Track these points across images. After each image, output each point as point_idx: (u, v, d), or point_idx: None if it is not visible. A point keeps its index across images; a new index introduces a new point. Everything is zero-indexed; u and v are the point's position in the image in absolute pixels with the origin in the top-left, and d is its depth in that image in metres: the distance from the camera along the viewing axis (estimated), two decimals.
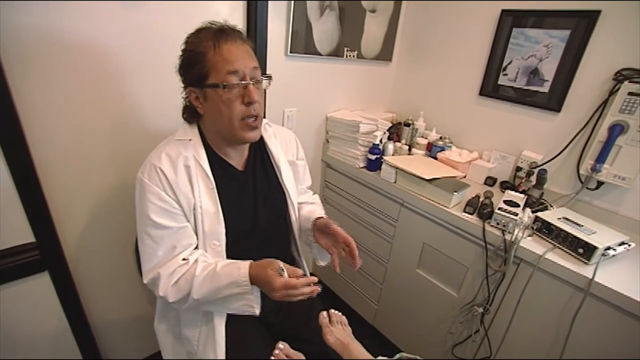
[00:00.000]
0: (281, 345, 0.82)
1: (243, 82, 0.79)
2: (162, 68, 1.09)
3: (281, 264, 0.79)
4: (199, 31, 0.80)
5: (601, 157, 1.21)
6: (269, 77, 0.86)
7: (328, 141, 1.74)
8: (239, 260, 0.85)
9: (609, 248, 0.99)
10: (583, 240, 1.00)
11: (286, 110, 1.53)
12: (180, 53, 0.82)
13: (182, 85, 0.84)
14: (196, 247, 0.87)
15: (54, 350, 1.20)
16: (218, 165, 0.88)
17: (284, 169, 1.00)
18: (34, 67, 0.89)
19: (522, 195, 1.24)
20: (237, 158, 0.93)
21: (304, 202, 1.15)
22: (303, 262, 1.13)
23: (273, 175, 1.00)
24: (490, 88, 1.56)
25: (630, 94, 1.13)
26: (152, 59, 1.08)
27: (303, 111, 1.60)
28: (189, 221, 0.84)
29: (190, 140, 0.85)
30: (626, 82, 1.14)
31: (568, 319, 1.02)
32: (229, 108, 0.80)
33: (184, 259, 0.84)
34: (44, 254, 1.05)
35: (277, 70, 1.39)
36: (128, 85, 1.06)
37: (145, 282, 0.84)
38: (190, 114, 0.88)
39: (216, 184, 0.85)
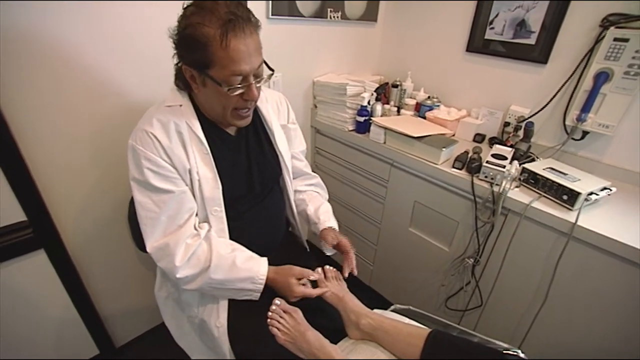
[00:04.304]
0: (277, 301, 0.85)
1: (246, 83, 0.77)
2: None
3: (304, 273, 0.87)
4: (203, 10, 0.71)
5: (586, 107, 1.22)
6: (272, 72, 0.83)
7: (316, 106, 1.73)
8: (256, 256, 0.89)
9: (591, 193, 1.03)
10: (567, 187, 1.04)
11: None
12: (178, 25, 0.74)
13: (175, 52, 0.79)
14: (196, 215, 0.87)
15: (59, 327, 1.23)
16: (211, 130, 0.87)
17: (277, 133, 1.00)
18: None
19: (510, 149, 1.26)
20: (228, 126, 0.92)
21: (309, 190, 1.15)
22: (298, 225, 1.16)
23: (266, 139, 0.99)
24: (477, 43, 1.54)
25: (615, 39, 1.13)
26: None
27: (289, 76, 1.57)
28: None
29: (180, 106, 0.84)
30: (612, 28, 1.14)
31: (552, 263, 1.07)
32: (227, 101, 0.79)
33: (195, 230, 0.84)
34: (37, 231, 1.05)
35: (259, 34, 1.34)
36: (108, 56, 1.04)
37: (149, 251, 0.81)
38: (184, 84, 0.84)
39: (210, 150, 0.85)
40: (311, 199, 1.13)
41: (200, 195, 0.85)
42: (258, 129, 0.98)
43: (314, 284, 0.92)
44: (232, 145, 0.93)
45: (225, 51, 0.71)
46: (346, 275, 0.93)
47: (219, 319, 0.90)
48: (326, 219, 1.06)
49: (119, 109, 1.11)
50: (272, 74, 0.83)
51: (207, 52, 0.71)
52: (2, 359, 1.12)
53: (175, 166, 0.81)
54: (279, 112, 1.05)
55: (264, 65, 0.81)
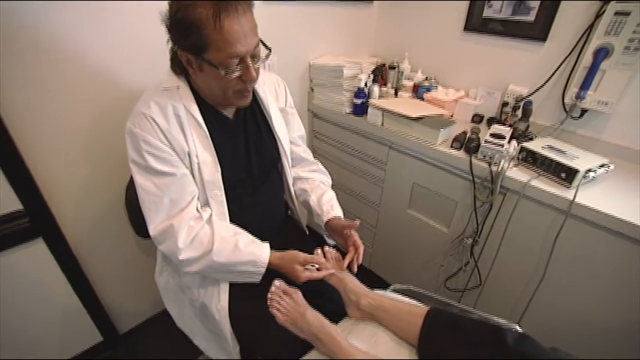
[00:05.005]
0: (277, 282, 0.86)
1: (244, 65, 0.75)
2: None
3: (308, 259, 0.87)
4: None
5: (586, 84, 1.21)
6: (269, 51, 0.81)
7: (313, 90, 1.70)
8: (258, 240, 0.89)
9: (589, 171, 1.03)
10: (565, 165, 1.03)
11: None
12: (169, 9, 0.72)
13: (169, 37, 0.77)
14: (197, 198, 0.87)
15: (62, 315, 1.24)
16: (209, 113, 0.86)
17: (275, 116, 0.99)
18: None
19: (508, 129, 1.25)
20: (227, 107, 0.91)
21: (310, 178, 1.13)
22: (297, 209, 1.16)
23: (264, 123, 0.98)
24: (475, 22, 1.51)
25: (616, 13, 1.11)
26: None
27: (284, 59, 1.54)
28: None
29: (178, 87, 0.82)
30: (613, 2, 1.11)
31: (550, 241, 1.08)
32: (226, 84, 0.78)
33: (198, 212, 0.84)
34: (34, 220, 1.05)
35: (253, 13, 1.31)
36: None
37: (152, 234, 0.81)
38: (180, 68, 0.82)
39: (209, 134, 0.84)
40: (313, 188, 1.11)
41: (200, 178, 0.84)
42: (256, 113, 0.97)
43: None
44: (230, 128, 0.92)
45: (220, 32, 0.69)
46: (355, 270, 0.92)
47: (219, 302, 0.90)
48: (329, 208, 1.04)
49: (117, 95, 1.09)
50: (270, 54, 0.81)
51: (201, 35, 0.70)
52: (6, 348, 1.13)
53: (174, 149, 0.80)
54: (277, 95, 1.03)
55: (261, 45, 0.79)
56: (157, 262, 1.04)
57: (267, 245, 0.89)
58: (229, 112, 0.92)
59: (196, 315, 1.00)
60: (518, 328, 0.80)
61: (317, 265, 0.87)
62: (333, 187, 1.16)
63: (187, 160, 0.83)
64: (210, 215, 0.86)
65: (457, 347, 0.73)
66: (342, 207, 1.09)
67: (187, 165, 0.83)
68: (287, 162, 1.04)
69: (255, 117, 0.96)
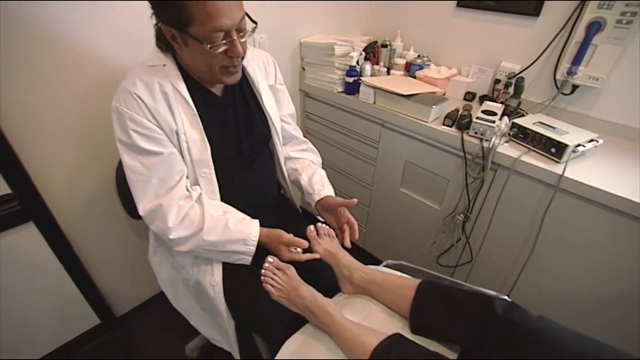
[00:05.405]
0: (270, 259, 0.87)
1: (229, 39, 0.73)
2: None
3: (292, 241, 0.87)
4: None
5: (577, 59, 1.21)
6: (255, 24, 0.79)
7: (304, 69, 1.68)
8: (248, 218, 0.89)
9: (578, 145, 1.04)
10: (555, 140, 1.04)
11: (256, 37, 1.45)
12: None
13: (152, 12, 0.75)
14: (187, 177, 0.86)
15: (57, 299, 1.25)
16: (197, 91, 0.85)
17: (265, 93, 0.97)
18: None
19: (500, 105, 1.25)
20: (215, 84, 0.89)
21: (301, 158, 1.12)
22: (289, 187, 1.16)
23: (254, 100, 0.97)
24: None
25: None
26: None
27: (275, 38, 1.51)
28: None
29: (164, 65, 0.80)
30: None
31: (540, 215, 1.10)
32: (212, 59, 0.76)
33: (187, 191, 0.84)
34: (24, 203, 1.04)
35: None
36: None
37: (142, 214, 0.81)
38: (166, 45, 0.80)
39: (197, 112, 0.82)
40: (304, 168, 1.11)
41: (189, 157, 0.84)
42: (245, 90, 0.95)
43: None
44: (219, 106, 0.90)
45: (203, 5, 0.67)
46: (348, 244, 0.93)
47: (213, 277, 0.91)
48: (320, 187, 1.04)
49: (103, 74, 1.07)
50: (256, 27, 0.79)
51: (184, 9, 0.67)
52: (4, 332, 1.13)
53: (161, 127, 0.79)
54: (267, 72, 1.02)
55: (247, 19, 0.77)
56: (150, 242, 1.04)
57: (256, 222, 0.89)
58: (218, 90, 0.90)
59: (190, 294, 1.01)
60: (507, 298, 0.81)
61: (301, 247, 0.88)
62: (325, 166, 1.16)
63: (175, 138, 0.82)
64: (200, 194, 0.86)
65: (448, 317, 0.75)
66: (335, 187, 1.09)
67: (175, 143, 0.82)
68: (278, 141, 1.04)
69: (244, 94, 0.95)
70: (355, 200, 0.92)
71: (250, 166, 0.99)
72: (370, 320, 0.82)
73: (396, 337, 0.71)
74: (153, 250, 1.04)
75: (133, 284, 1.50)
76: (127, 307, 1.54)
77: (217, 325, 1.02)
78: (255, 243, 0.87)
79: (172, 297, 1.07)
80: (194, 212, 0.83)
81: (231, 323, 0.96)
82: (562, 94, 1.31)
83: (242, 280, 0.92)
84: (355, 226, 0.95)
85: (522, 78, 1.29)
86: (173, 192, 0.81)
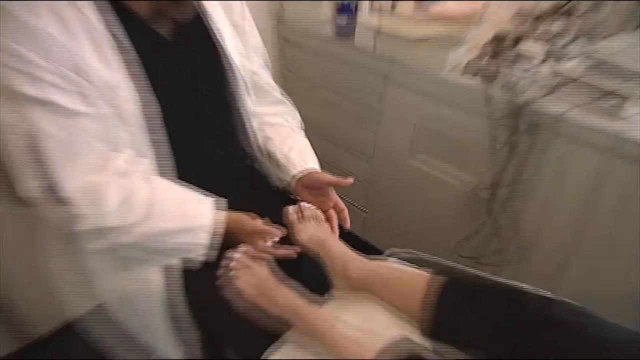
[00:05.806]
0: (242, 247, 0.85)
1: None
2: None
3: (258, 229, 0.85)
4: None
5: None
6: None
7: (282, 7, 1.67)
8: (207, 198, 0.86)
9: None
10: (614, 92, 1.01)
11: None
12: None
13: None
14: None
15: None
16: (139, 34, 0.80)
17: (227, 35, 0.95)
18: None
19: (540, 47, 1.22)
20: (164, 24, 0.85)
21: (274, 122, 1.11)
22: (262, 157, 1.13)
23: (213, 44, 0.94)
24: None
25: None
26: None
27: None
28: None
29: None
30: None
31: (593, 190, 1.09)
32: None
33: (128, 166, 0.79)
34: None
35: None
36: None
37: (67, 195, 0.72)
38: None
39: (140, 58, 0.78)
40: (280, 134, 1.09)
41: (130, 119, 0.79)
42: (202, 32, 0.93)
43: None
44: (169, 53, 0.87)
45: None
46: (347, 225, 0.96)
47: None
48: (301, 159, 1.03)
49: None
50: None
51: None
52: None
53: (89, 79, 0.73)
54: (230, 7, 0.99)
55: None
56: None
57: (218, 203, 0.86)
58: (167, 32, 0.86)
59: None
60: (546, 293, 0.81)
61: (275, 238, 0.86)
62: (310, 134, 1.15)
63: (109, 93, 0.76)
64: (145, 169, 0.83)
65: (469, 317, 0.74)
66: (323, 160, 1.08)
67: (109, 100, 0.77)
68: (245, 96, 1.02)
69: (201, 36, 0.92)
70: (351, 179, 0.91)
71: (211, 131, 0.97)
72: (372, 322, 0.81)
73: (405, 341, 0.71)
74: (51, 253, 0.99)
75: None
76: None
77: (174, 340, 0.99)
78: (214, 230, 0.83)
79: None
80: (140, 193, 0.79)
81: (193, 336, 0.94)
82: None
83: (206, 282, 0.88)
84: (346, 212, 0.95)
85: None
86: (108, 167, 0.77)
